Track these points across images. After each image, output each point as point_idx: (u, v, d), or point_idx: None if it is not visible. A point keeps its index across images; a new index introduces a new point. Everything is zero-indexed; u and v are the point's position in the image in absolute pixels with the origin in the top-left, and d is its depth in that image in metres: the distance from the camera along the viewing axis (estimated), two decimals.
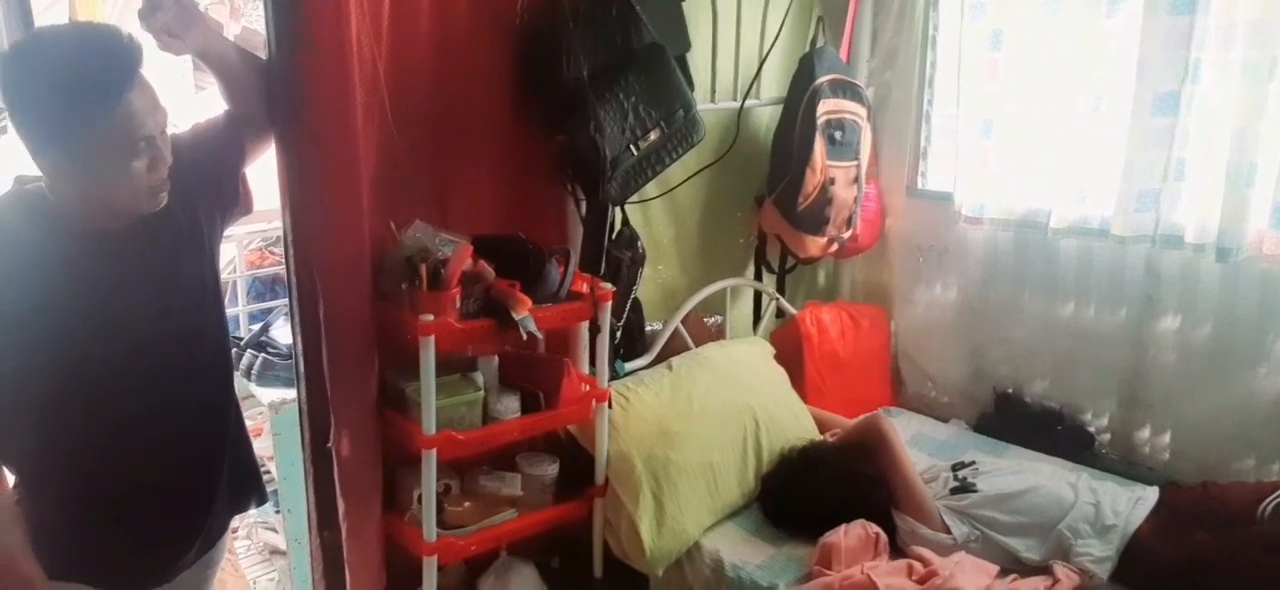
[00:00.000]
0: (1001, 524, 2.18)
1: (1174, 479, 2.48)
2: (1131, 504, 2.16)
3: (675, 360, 2.66)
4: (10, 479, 1.57)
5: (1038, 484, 2.24)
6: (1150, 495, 2.19)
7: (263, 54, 1.91)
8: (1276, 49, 2.21)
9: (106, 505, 1.61)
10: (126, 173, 1.47)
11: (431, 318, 1.94)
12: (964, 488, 2.29)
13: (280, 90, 1.87)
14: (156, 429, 1.63)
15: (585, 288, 2.25)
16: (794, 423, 2.63)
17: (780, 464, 2.49)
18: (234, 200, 1.81)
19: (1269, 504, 1.97)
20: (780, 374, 2.82)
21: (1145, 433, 2.67)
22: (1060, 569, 2.05)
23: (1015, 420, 2.88)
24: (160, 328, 1.61)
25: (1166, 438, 2.63)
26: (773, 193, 2.84)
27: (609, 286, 2.27)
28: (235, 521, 3.23)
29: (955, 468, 2.39)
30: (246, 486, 1.90)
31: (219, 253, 1.79)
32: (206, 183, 1.72)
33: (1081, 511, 2.14)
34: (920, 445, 2.76)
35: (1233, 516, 2.03)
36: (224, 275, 3.39)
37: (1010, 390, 2.95)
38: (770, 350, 2.90)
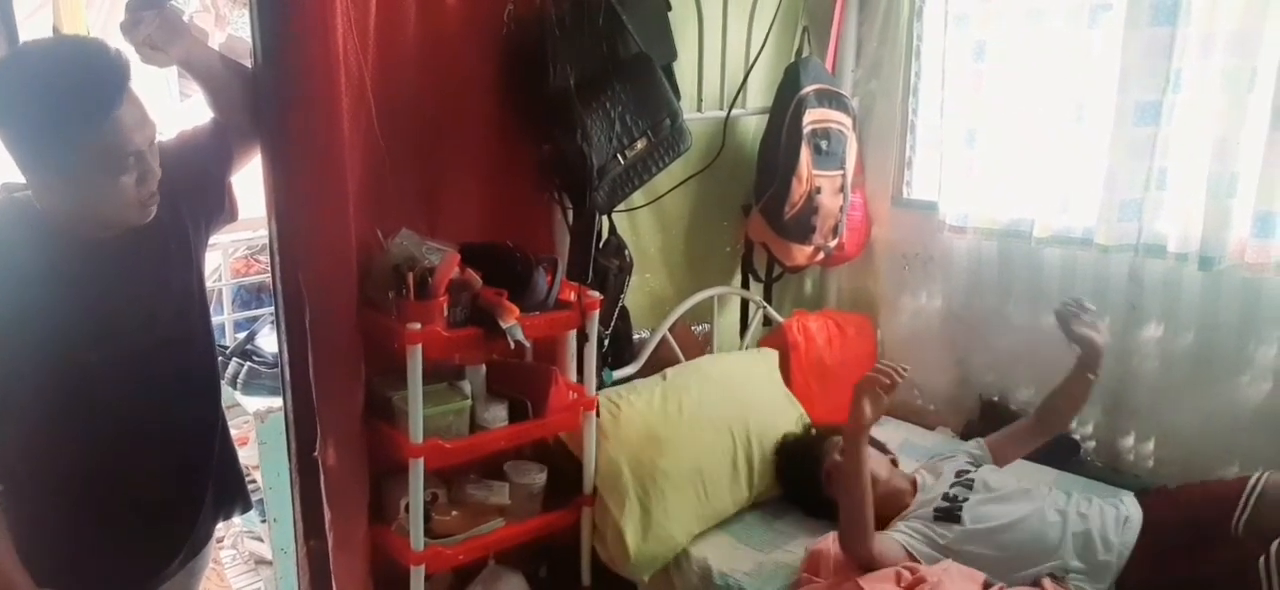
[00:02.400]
0: (985, 559, 2.09)
1: (1156, 485, 2.51)
2: (1120, 526, 2.08)
3: (669, 371, 2.67)
4: None
5: (1025, 515, 2.13)
6: (1135, 516, 2.11)
7: (248, 62, 1.91)
8: (1257, 59, 2.23)
9: (93, 512, 1.60)
10: (116, 188, 1.47)
11: (419, 326, 1.94)
12: (948, 516, 2.19)
13: (266, 98, 1.86)
14: (144, 436, 1.63)
15: (573, 296, 2.25)
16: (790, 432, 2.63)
17: (799, 441, 2.54)
18: (220, 208, 1.81)
19: (1239, 519, 1.95)
20: (779, 385, 2.82)
21: (1130, 440, 2.69)
22: (1049, 584, 2.03)
23: (1001, 427, 2.89)
24: (148, 335, 1.61)
25: (1150, 445, 2.65)
26: (759, 201, 2.85)
27: (596, 295, 2.27)
28: (221, 531, 3.24)
29: (959, 474, 2.32)
30: (232, 494, 1.90)
31: (205, 260, 1.79)
32: (192, 191, 1.72)
33: (1069, 546, 2.06)
34: (908, 452, 2.76)
35: (1214, 534, 1.99)
36: (209, 283, 3.38)
37: (995, 397, 2.96)
38: (774, 359, 2.90)
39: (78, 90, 1.41)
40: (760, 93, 2.92)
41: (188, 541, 1.76)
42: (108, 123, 1.42)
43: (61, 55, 1.50)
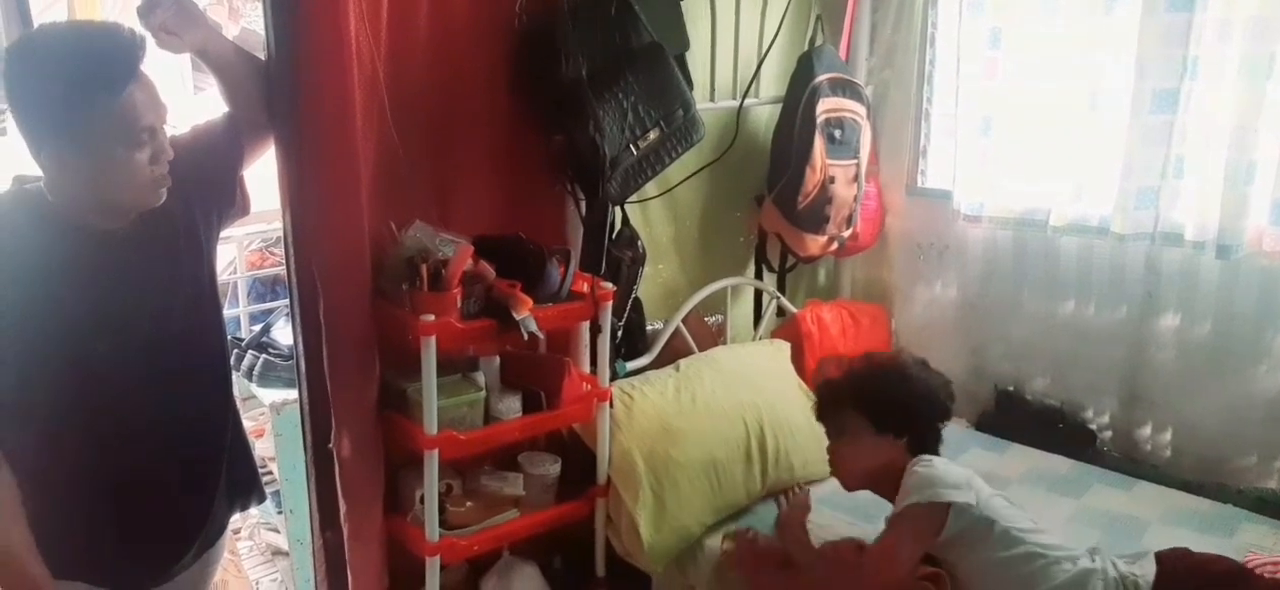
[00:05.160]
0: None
1: (1176, 476, 2.53)
2: None
3: (683, 362, 2.66)
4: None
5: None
6: None
7: (261, 55, 1.91)
8: (1275, 45, 2.21)
9: (106, 504, 1.61)
10: (130, 164, 1.49)
11: (433, 318, 1.95)
12: None
13: (279, 91, 1.87)
14: (155, 428, 1.64)
15: (586, 287, 2.25)
16: (804, 423, 2.61)
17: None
18: (231, 202, 1.82)
19: None
20: (792, 376, 2.81)
21: (1146, 430, 2.67)
22: None
23: (1016, 418, 2.88)
24: (159, 328, 1.62)
25: (1167, 435, 2.63)
26: (772, 191, 2.84)
27: (609, 286, 2.27)
28: (238, 522, 3.26)
29: None
30: (245, 486, 1.90)
31: (216, 254, 1.80)
32: (205, 184, 1.73)
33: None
34: None
35: None
36: (225, 276, 3.42)
37: (1011, 388, 2.95)
38: (787, 349, 2.88)
39: (93, 64, 1.45)
40: (773, 82, 2.91)
41: (201, 533, 1.77)
42: (122, 97, 1.46)
43: (76, 33, 1.56)
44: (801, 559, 2.13)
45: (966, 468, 2.00)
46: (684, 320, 2.80)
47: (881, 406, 2.04)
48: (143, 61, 1.48)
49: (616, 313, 2.42)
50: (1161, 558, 1.88)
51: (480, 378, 2.17)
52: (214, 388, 1.77)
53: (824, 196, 2.79)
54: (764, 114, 2.94)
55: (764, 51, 2.83)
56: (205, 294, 1.73)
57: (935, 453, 2.03)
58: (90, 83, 1.44)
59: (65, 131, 1.46)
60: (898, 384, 2.05)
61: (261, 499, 1.98)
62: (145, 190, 1.54)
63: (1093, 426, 2.78)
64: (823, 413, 2.17)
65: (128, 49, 1.47)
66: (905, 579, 1.89)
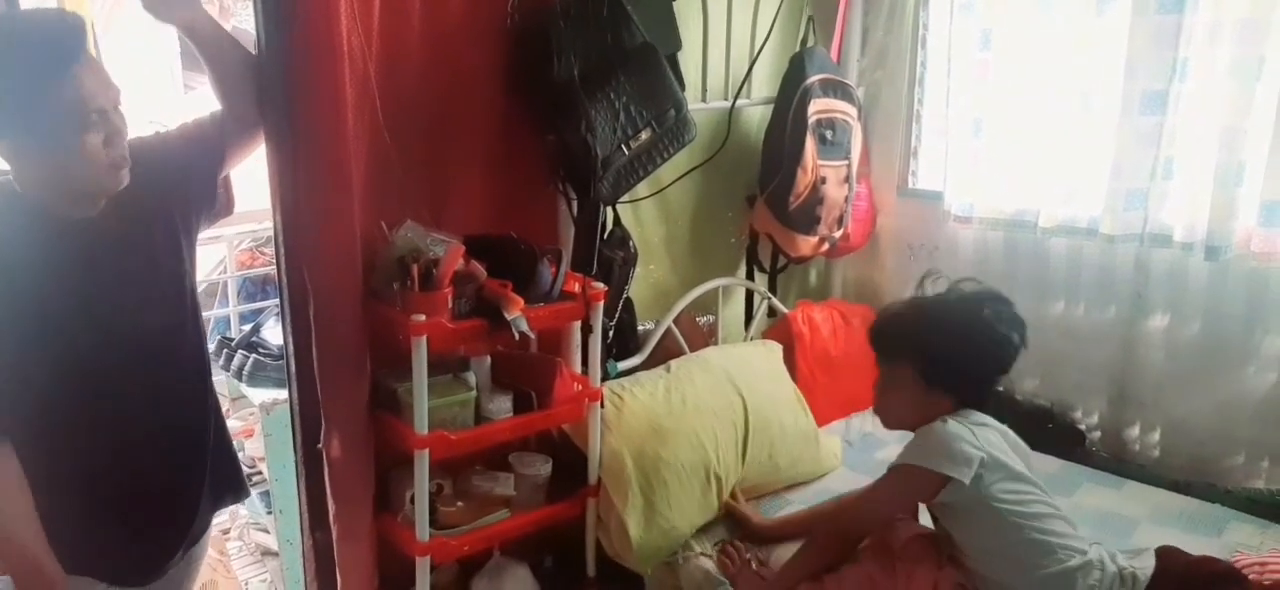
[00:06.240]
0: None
1: (1165, 475, 2.53)
2: None
3: (674, 362, 2.66)
4: None
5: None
6: None
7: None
8: (1264, 47, 2.22)
9: (92, 500, 1.61)
10: (83, 148, 1.48)
11: (423, 318, 1.94)
12: None
13: (270, 90, 1.86)
14: (139, 424, 1.64)
15: (577, 287, 2.24)
16: (793, 425, 2.63)
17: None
18: (210, 200, 1.81)
19: None
20: (783, 377, 2.81)
21: (1135, 430, 2.68)
22: None
23: (1006, 418, 2.87)
24: (138, 323, 1.62)
25: (1156, 435, 2.64)
26: (764, 192, 2.84)
27: (601, 286, 2.27)
28: (227, 522, 3.26)
29: None
30: (229, 483, 1.91)
31: (196, 253, 1.79)
32: (185, 181, 1.73)
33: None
34: None
35: None
36: (215, 275, 3.41)
37: (1001, 388, 2.94)
38: (778, 350, 2.89)
39: (35, 47, 1.45)
40: (765, 83, 2.91)
41: (189, 529, 1.77)
42: (67, 78, 1.45)
43: (16, 20, 1.58)
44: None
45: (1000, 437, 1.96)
46: (675, 321, 2.80)
47: (940, 371, 1.95)
48: (85, 43, 1.48)
49: (608, 313, 2.42)
50: (1160, 554, 1.90)
51: (471, 378, 2.17)
52: (195, 384, 1.78)
53: (815, 197, 2.79)
54: (756, 115, 2.94)
55: (756, 52, 2.84)
56: (183, 291, 1.72)
57: (982, 408, 1.99)
58: (32, 68, 1.44)
59: (15, 119, 1.46)
60: (966, 356, 1.96)
61: (245, 495, 1.99)
62: (103, 174, 1.53)
63: (1082, 426, 2.79)
64: (876, 346, 2.06)
65: (69, 32, 1.47)
66: (881, 524, 2.00)
